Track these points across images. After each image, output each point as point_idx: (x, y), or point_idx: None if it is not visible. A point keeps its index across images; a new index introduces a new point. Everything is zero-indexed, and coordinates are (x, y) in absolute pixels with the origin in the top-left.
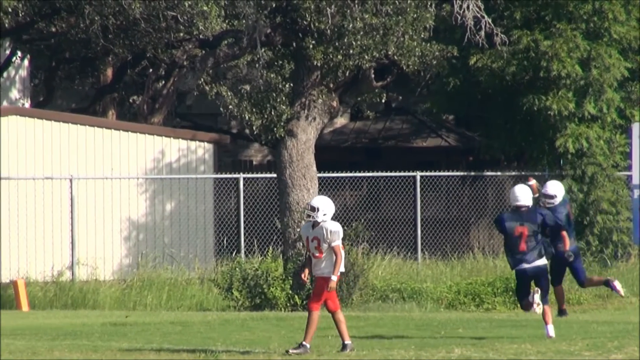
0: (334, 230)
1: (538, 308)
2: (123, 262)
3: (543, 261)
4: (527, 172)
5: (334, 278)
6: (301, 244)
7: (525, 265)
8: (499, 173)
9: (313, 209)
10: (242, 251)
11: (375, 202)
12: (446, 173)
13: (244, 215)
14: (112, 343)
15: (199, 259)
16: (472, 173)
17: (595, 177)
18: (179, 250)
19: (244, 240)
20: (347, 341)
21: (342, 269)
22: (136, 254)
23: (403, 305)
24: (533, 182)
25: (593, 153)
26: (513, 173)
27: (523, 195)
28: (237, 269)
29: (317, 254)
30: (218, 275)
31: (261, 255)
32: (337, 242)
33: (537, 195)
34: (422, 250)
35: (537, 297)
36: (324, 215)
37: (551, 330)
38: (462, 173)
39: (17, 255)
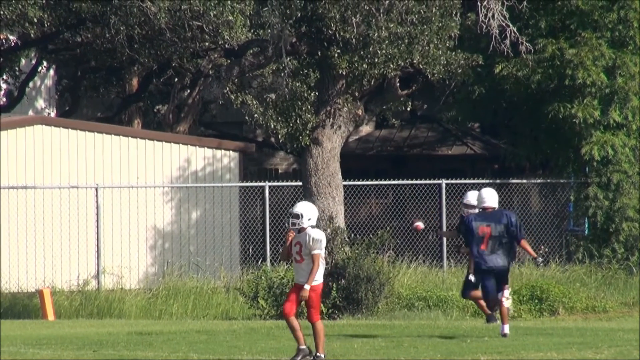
0: (316, 238)
1: (507, 302)
2: (149, 270)
3: (504, 262)
4: (552, 180)
5: (307, 287)
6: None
7: (487, 265)
8: (524, 181)
9: (297, 215)
10: (268, 259)
11: (400, 210)
12: (472, 181)
13: (270, 224)
14: (137, 352)
15: (224, 268)
16: (498, 181)
17: (621, 184)
18: (204, 258)
19: (270, 249)
20: (320, 354)
21: (320, 279)
22: (162, 262)
23: (429, 314)
24: (419, 224)
25: (618, 160)
26: (539, 181)
27: (489, 197)
28: (262, 277)
29: (298, 259)
30: (244, 284)
31: (287, 264)
32: (318, 251)
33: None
34: (447, 258)
35: (507, 292)
36: (309, 220)
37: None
38: (487, 181)
39: (43, 264)
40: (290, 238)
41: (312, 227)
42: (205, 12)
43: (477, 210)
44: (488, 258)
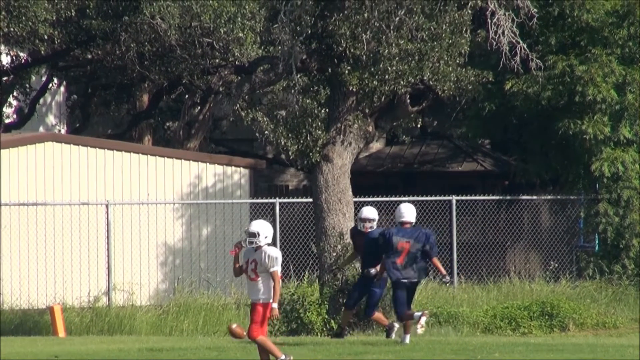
0: (273, 255)
1: (421, 330)
2: (159, 287)
3: (416, 277)
4: (562, 196)
5: (275, 306)
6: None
7: (403, 279)
8: (534, 197)
9: (253, 234)
10: None
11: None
12: (482, 197)
13: (280, 240)
14: None
15: (235, 284)
16: (508, 197)
17: (631, 200)
18: (215, 275)
19: (280, 265)
20: None
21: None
22: (172, 279)
23: (439, 330)
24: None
25: (629, 177)
26: (549, 197)
27: (408, 212)
28: None
29: (252, 277)
30: None
31: (297, 280)
32: (276, 268)
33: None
34: (458, 274)
35: (423, 320)
36: (265, 238)
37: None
38: (497, 197)
39: (54, 281)
40: (234, 254)
41: (268, 244)
42: (216, 29)
43: (374, 224)
44: (403, 272)
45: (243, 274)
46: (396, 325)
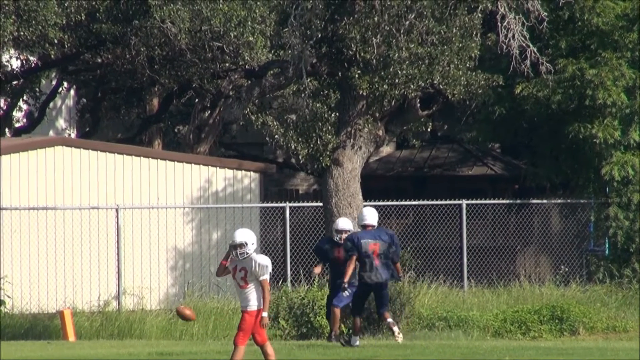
0: (263, 264)
1: (399, 337)
2: (169, 291)
3: (388, 276)
4: (572, 200)
5: (265, 314)
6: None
7: (375, 279)
8: (544, 201)
9: (242, 245)
10: (289, 280)
11: (421, 231)
12: (492, 201)
13: (290, 244)
14: None
15: None
16: (518, 201)
17: None
18: (225, 279)
19: (290, 269)
20: None
21: (259, 304)
22: (182, 283)
23: (449, 334)
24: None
25: (639, 181)
26: (559, 201)
27: (370, 215)
28: (283, 297)
29: (242, 284)
30: None
31: (307, 284)
32: (266, 277)
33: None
34: (468, 278)
35: (396, 329)
36: (252, 245)
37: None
38: (508, 201)
39: (64, 285)
40: (226, 263)
41: (255, 251)
42: (226, 33)
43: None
44: (379, 273)
45: (225, 276)
46: (334, 337)
